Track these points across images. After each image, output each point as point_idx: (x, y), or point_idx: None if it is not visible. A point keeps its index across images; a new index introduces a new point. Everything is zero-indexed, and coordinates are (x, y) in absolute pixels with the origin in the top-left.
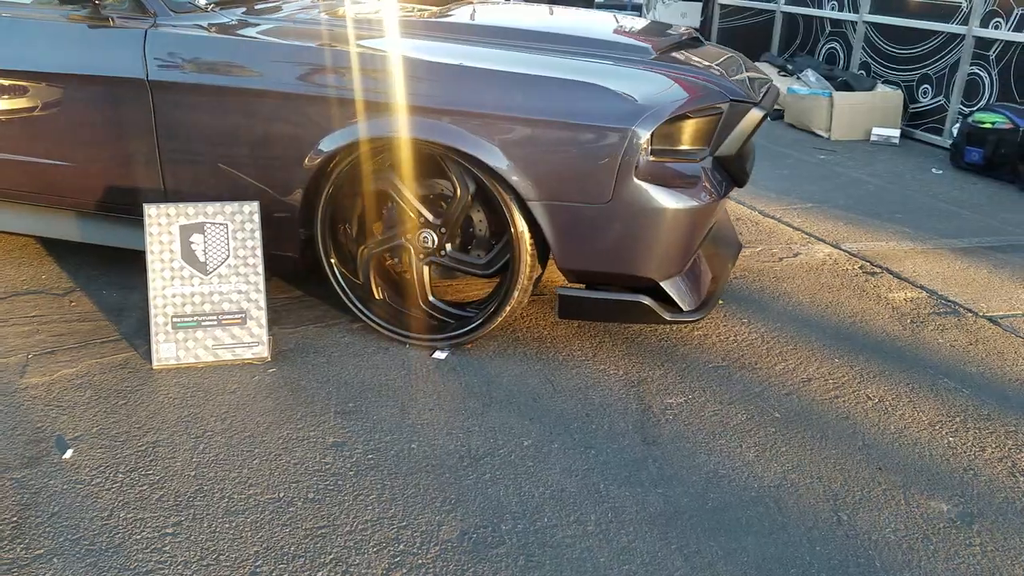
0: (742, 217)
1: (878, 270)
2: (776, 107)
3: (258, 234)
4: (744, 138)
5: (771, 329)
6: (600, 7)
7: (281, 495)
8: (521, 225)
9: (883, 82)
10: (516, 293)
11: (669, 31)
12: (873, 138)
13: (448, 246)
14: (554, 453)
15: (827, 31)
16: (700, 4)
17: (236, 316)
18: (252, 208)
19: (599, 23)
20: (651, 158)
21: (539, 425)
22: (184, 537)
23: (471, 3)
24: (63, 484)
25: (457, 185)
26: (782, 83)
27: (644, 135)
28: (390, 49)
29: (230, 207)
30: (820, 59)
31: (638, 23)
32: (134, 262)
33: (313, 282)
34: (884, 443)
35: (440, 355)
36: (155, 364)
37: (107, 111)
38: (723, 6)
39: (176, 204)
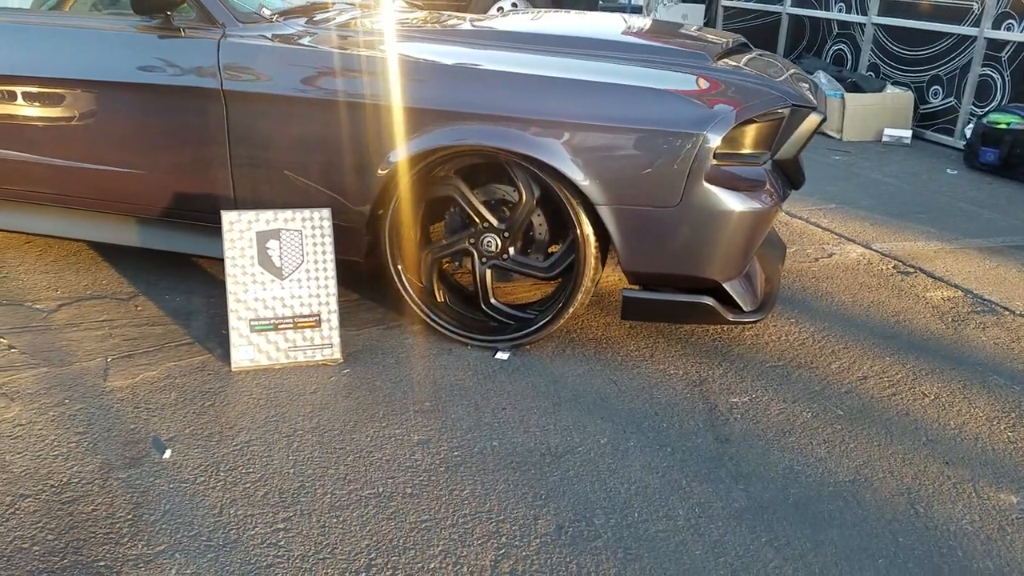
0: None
1: (911, 270)
2: None
3: (330, 240)
4: (803, 142)
5: (820, 328)
6: (605, 10)
7: (380, 490)
8: (587, 228)
9: (892, 83)
10: (580, 295)
11: (718, 38)
12: (885, 139)
13: (511, 250)
14: (632, 451)
15: (834, 33)
16: (703, 6)
17: (310, 319)
18: (324, 215)
19: (652, 30)
20: (717, 162)
21: (611, 424)
22: (295, 532)
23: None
24: (169, 483)
25: (523, 190)
26: None
27: (715, 140)
28: (456, 59)
29: (304, 214)
30: (827, 60)
31: (687, 30)
32: (191, 266)
33: (369, 286)
34: (947, 438)
35: (502, 356)
36: (233, 367)
37: (179, 119)
38: (727, 8)
39: (253, 211)
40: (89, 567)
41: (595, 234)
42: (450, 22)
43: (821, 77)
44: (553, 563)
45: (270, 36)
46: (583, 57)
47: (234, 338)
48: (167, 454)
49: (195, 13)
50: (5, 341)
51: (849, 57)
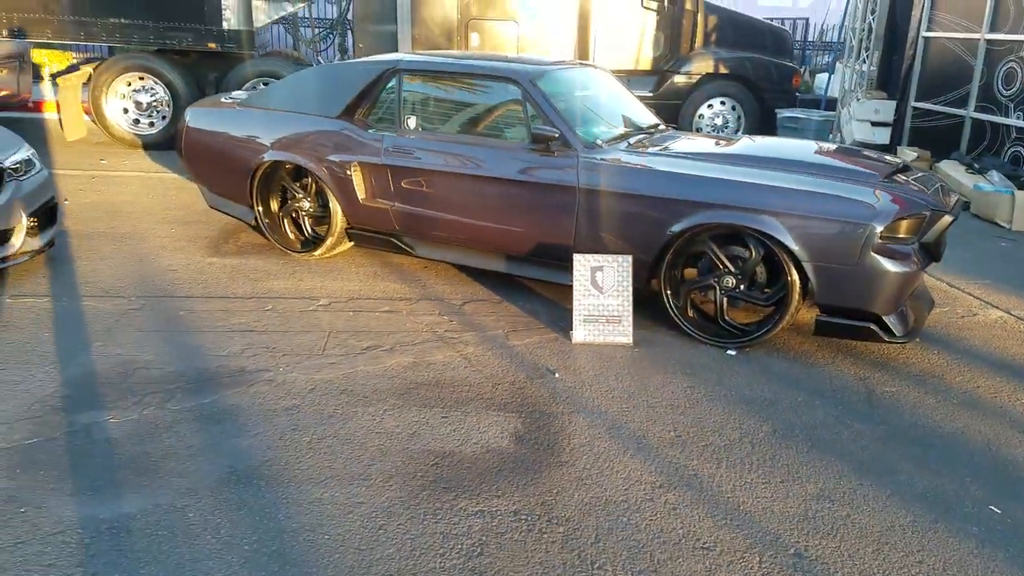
0: (935, 286)
1: None
2: (964, 200)
3: (629, 274)
4: (939, 233)
5: (954, 358)
6: (802, 103)
7: (660, 414)
8: (795, 276)
9: None
10: (787, 317)
11: (888, 161)
12: None
13: (741, 286)
14: (818, 406)
15: (1012, 136)
16: (893, 103)
17: (615, 317)
18: (627, 259)
19: (842, 157)
20: (881, 241)
21: (805, 392)
22: (626, 410)
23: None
24: (564, 386)
25: (753, 251)
26: (969, 179)
27: (879, 229)
28: (714, 173)
29: (617, 258)
30: (1005, 160)
31: (869, 155)
32: (526, 286)
33: (640, 306)
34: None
35: (731, 352)
36: (574, 340)
37: (546, 202)
38: (915, 108)
39: (589, 255)
40: (529, 413)
41: (799, 280)
42: (703, 145)
43: (995, 176)
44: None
45: (602, 158)
46: (795, 172)
47: (575, 324)
48: (557, 375)
49: (561, 143)
50: (445, 318)
51: None
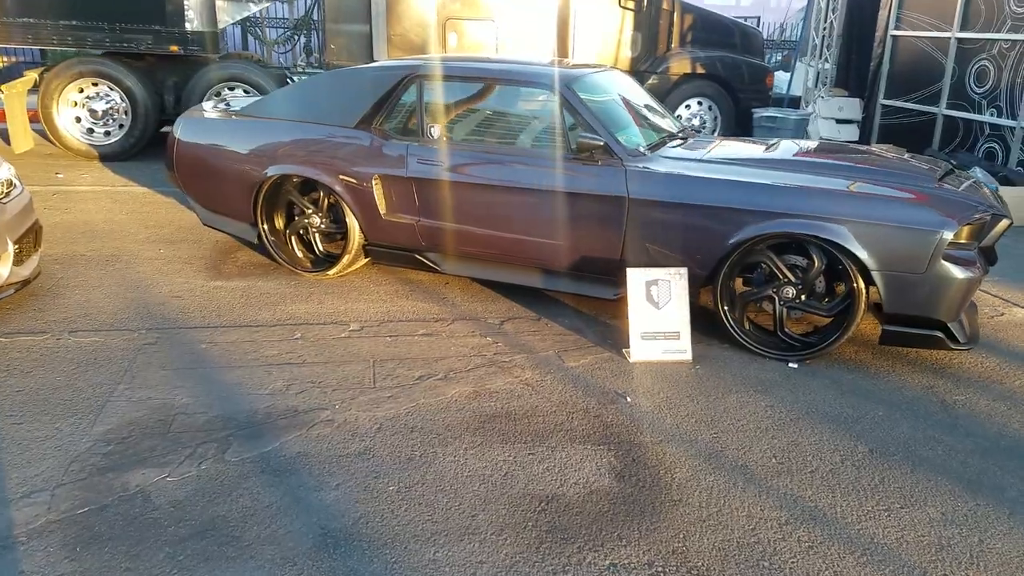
0: None
1: None
2: None
3: (686, 287)
4: (998, 236)
5: (1011, 361)
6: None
7: (743, 424)
8: (861, 284)
9: None
10: (852, 327)
11: (936, 164)
12: None
13: (802, 297)
14: (899, 420)
15: (986, 133)
16: (856, 101)
17: (673, 334)
18: (683, 272)
19: (891, 161)
20: (948, 248)
21: (884, 405)
22: (697, 419)
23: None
24: (639, 411)
25: (816, 260)
26: None
27: (948, 235)
28: (779, 179)
29: (671, 270)
30: (979, 156)
31: (915, 159)
32: (560, 301)
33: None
34: None
35: (793, 365)
36: (632, 359)
37: (591, 212)
38: (885, 106)
39: (644, 268)
40: (617, 444)
41: (864, 288)
42: (753, 151)
43: (978, 172)
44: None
45: (651, 166)
46: (856, 178)
47: (633, 342)
48: (628, 399)
49: (604, 151)
50: (488, 339)
51: (1000, 154)
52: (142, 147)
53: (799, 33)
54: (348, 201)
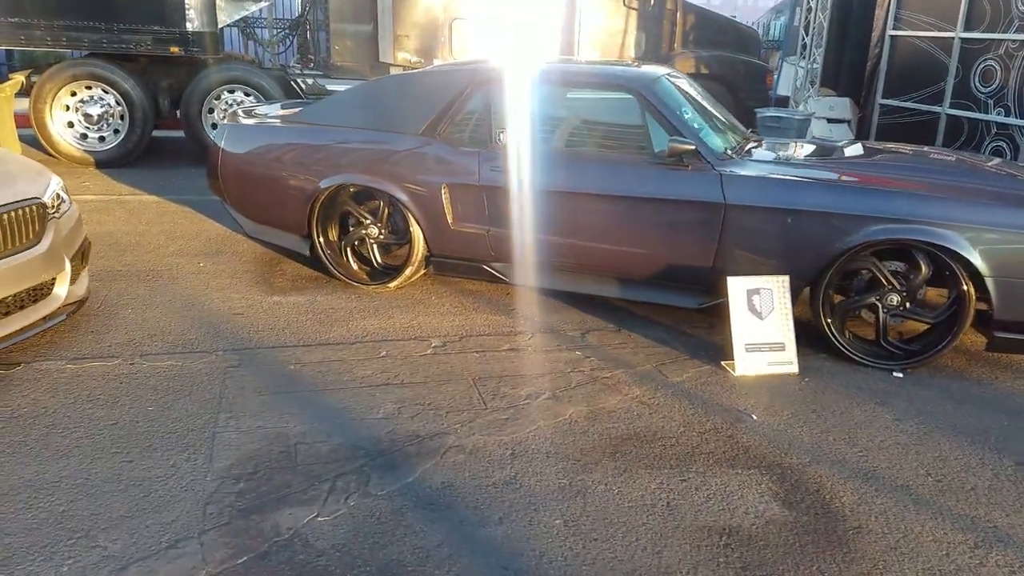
0: None
1: None
2: None
3: (788, 295)
4: None
5: None
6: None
7: (857, 436)
8: (971, 290)
9: None
10: (960, 333)
11: (1012, 167)
12: None
13: (907, 304)
14: (1014, 429)
15: (993, 131)
16: (847, 100)
17: (778, 345)
18: (785, 280)
19: (973, 162)
20: None
21: (1005, 413)
22: (831, 441)
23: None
24: (768, 430)
25: (923, 266)
26: None
27: None
28: (889, 184)
29: (774, 279)
30: (986, 154)
31: (989, 160)
32: (622, 309)
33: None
34: None
35: (898, 375)
36: (737, 373)
37: (681, 219)
38: (883, 105)
39: (744, 277)
40: (767, 467)
41: (973, 295)
42: (843, 153)
43: None
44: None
45: (744, 171)
46: (964, 181)
47: (737, 354)
48: (754, 417)
49: (694, 156)
50: (578, 353)
51: (1008, 152)
52: (140, 152)
53: (778, 32)
54: (414, 211)
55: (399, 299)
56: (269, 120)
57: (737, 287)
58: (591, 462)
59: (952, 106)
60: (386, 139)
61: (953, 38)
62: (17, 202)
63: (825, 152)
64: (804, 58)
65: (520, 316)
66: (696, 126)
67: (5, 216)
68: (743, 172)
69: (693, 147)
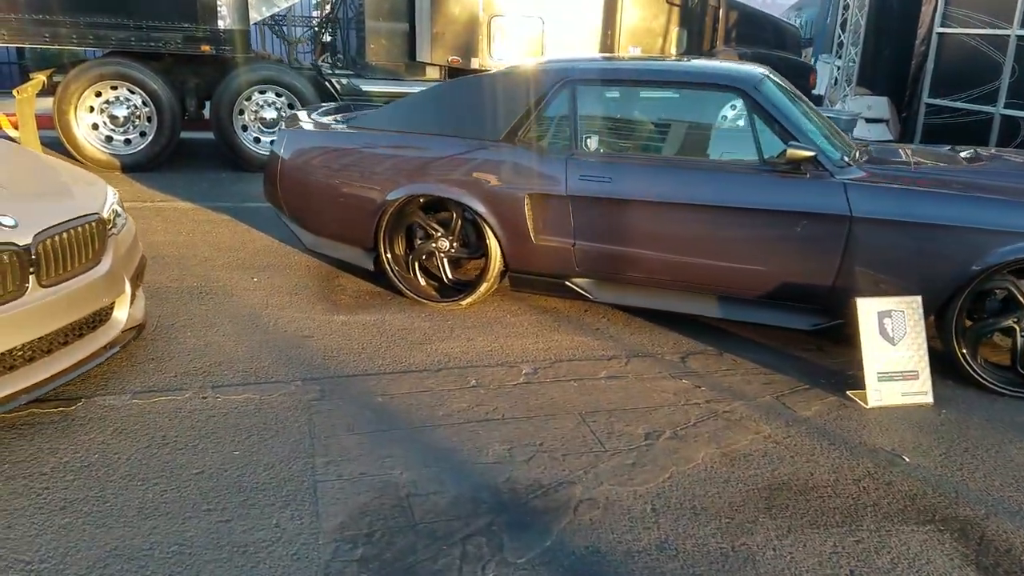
0: None
1: None
2: None
3: (922, 319)
4: None
5: None
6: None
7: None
8: None
9: None
10: None
11: None
12: None
13: None
14: None
15: None
16: (884, 99)
17: (912, 373)
18: (918, 300)
19: None
20: None
21: None
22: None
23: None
24: (940, 472)
25: None
26: None
27: None
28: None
29: (906, 300)
30: None
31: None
32: (719, 329)
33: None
34: None
35: None
36: (869, 404)
37: (799, 233)
38: (929, 105)
39: (876, 298)
40: (940, 521)
41: None
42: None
43: None
44: None
45: (871, 180)
46: None
47: (869, 384)
48: (906, 459)
49: (813, 163)
50: (685, 382)
51: None
52: (168, 156)
53: (806, 30)
54: (491, 223)
55: (472, 318)
56: (331, 126)
57: (867, 309)
58: (747, 520)
59: (1007, 106)
60: (461, 146)
61: (1009, 35)
62: (76, 219)
63: (947, 159)
64: (840, 56)
65: (607, 337)
66: (811, 130)
67: (65, 235)
68: (870, 181)
69: (812, 153)
